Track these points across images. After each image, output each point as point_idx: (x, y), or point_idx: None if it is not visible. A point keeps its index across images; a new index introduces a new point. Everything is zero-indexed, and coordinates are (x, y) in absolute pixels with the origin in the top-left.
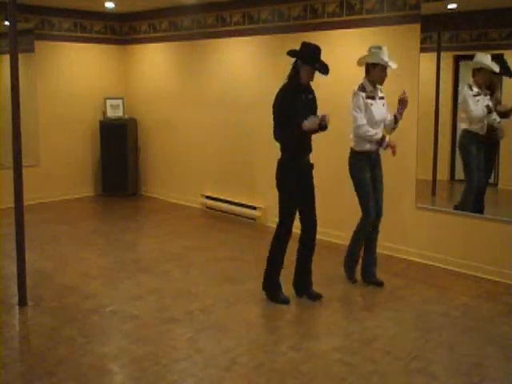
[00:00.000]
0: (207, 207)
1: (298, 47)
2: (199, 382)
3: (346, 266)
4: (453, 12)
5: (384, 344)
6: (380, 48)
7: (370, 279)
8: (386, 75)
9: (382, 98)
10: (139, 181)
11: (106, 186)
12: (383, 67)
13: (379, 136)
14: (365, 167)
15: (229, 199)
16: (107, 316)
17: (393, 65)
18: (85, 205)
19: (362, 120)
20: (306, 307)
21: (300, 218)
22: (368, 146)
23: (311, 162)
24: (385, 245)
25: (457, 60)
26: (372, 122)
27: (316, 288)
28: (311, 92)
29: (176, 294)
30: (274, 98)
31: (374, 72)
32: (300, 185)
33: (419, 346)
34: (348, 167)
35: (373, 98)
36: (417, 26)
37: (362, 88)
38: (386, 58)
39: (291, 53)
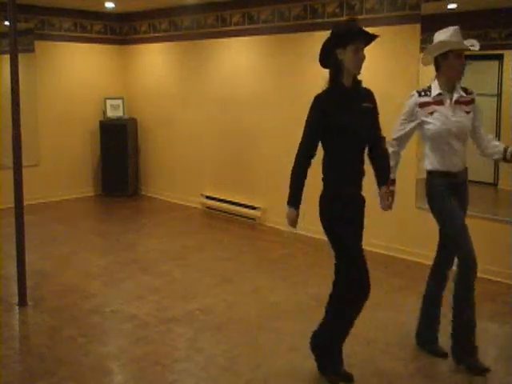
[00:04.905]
0: (207, 207)
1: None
2: (199, 382)
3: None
4: (453, 12)
5: (384, 344)
6: (448, 31)
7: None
8: (464, 63)
9: (462, 102)
10: (139, 181)
11: (105, 186)
12: (457, 54)
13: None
14: (446, 192)
15: (229, 199)
16: (107, 316)
17: (474, 45)
18: (85, 205)
19: (396, 133)
20: (305, 309)
21: (335, 266)
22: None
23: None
24: (385, 245)
25: None
26: (435, 137)
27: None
28: (367, 96)
29: (176, 294)
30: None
31: (446, 64)
32: (345, 223)
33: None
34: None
35: (440, 102)
36: (417, 26)
37: (422, 90)
38: (457, 39)
39: (323, 50)
